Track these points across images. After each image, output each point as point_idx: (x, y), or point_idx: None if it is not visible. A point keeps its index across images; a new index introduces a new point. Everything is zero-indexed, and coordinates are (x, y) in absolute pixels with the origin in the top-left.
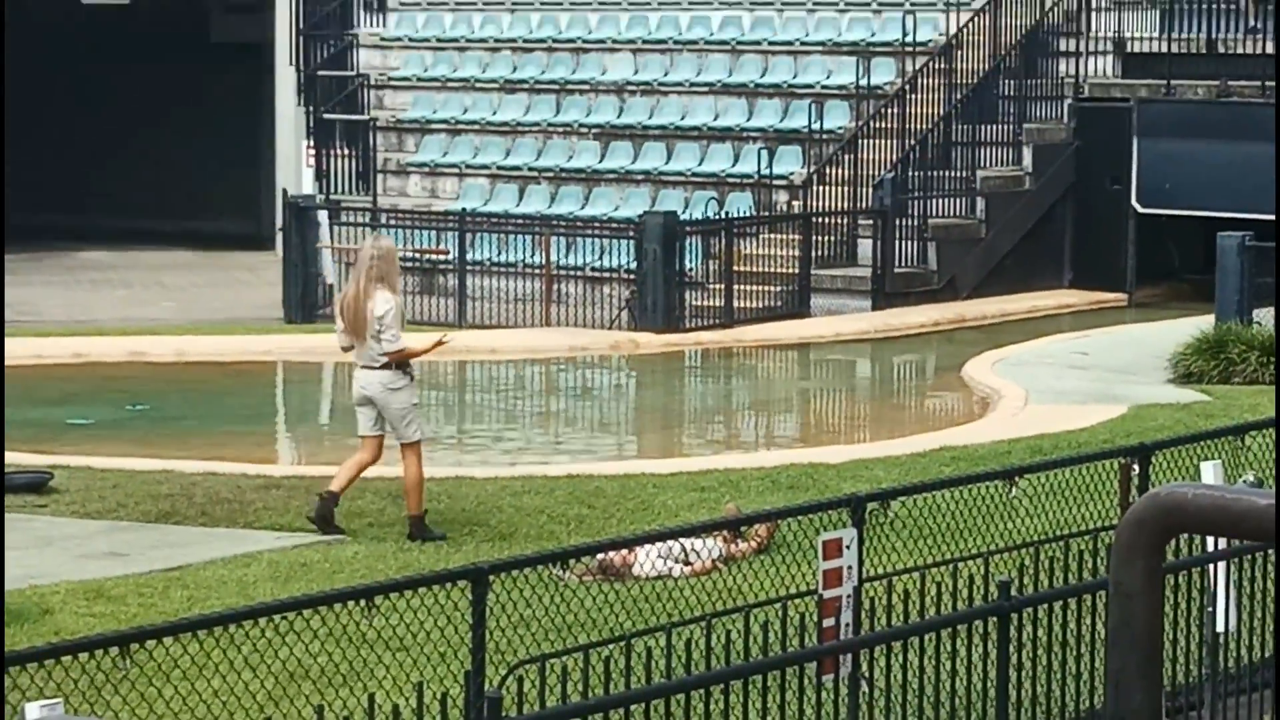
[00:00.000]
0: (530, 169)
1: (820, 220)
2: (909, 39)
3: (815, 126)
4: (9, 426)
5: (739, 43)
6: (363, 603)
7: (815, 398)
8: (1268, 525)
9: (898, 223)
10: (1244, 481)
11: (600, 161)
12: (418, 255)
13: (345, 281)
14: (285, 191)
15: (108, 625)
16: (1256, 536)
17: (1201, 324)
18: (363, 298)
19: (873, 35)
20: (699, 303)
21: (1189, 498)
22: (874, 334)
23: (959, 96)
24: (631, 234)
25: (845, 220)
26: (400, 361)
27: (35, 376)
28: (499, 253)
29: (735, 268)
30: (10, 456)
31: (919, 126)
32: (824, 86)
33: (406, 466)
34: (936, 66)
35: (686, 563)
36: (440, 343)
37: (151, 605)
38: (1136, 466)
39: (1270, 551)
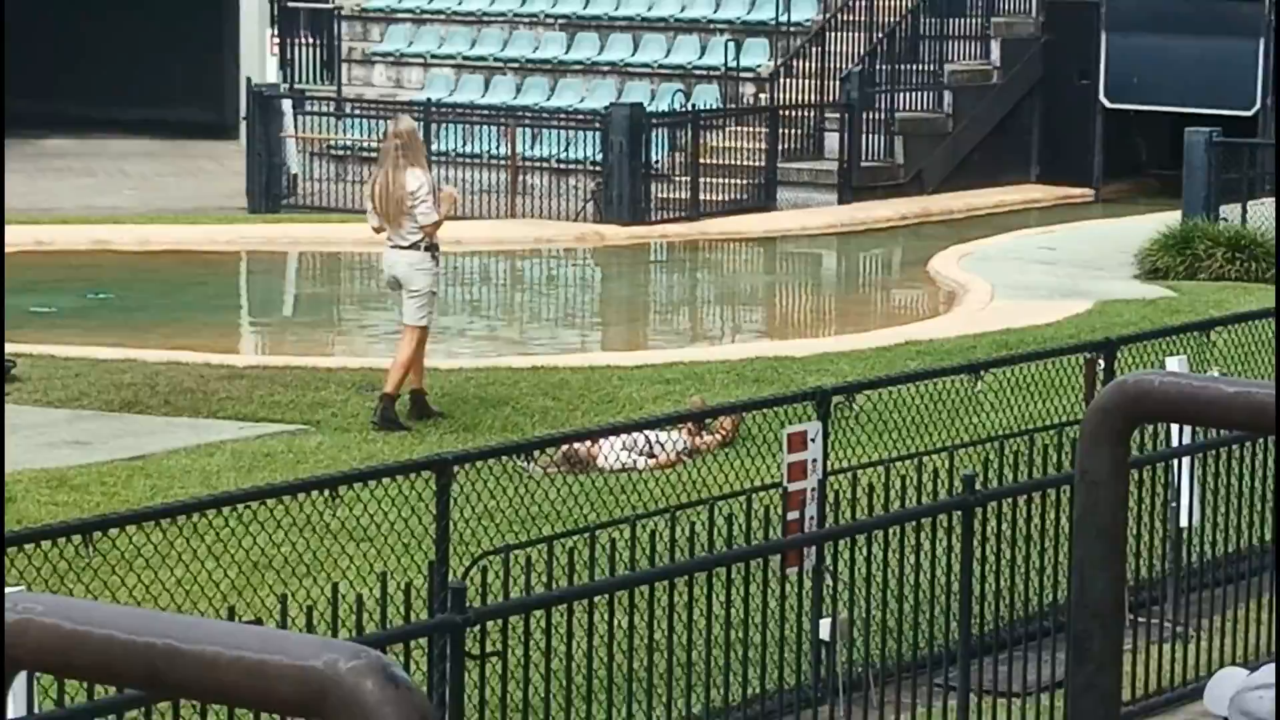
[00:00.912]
0: (496, 59)
1: (787, 113)
2: None
3: (782, 19)
4: None
5: None
6: (327, 493)
7: (781, 291)
8: (1234, 414)
9: (865, 116)
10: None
11: (566, 52)
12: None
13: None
14: (249, 80)
15: (70, 514)
16: (1223, 424)
17: (1168, 220)
18: (394, 182)
19: None
20: (664, 195)
21: (1156, 385)
22: (840, 228)
23: None
24: (597, 126)
25: (812, 113)
26: (430, 243)
27: None
28: (464, 144)
29: (701, 160)
30: None
31: (887, 19)
32: None
33: (401, 346)
34: None
35: (651, 455)
36: (452, 195)
37: (114, 494)
38: (1102, 361)
39: (1233, 447)
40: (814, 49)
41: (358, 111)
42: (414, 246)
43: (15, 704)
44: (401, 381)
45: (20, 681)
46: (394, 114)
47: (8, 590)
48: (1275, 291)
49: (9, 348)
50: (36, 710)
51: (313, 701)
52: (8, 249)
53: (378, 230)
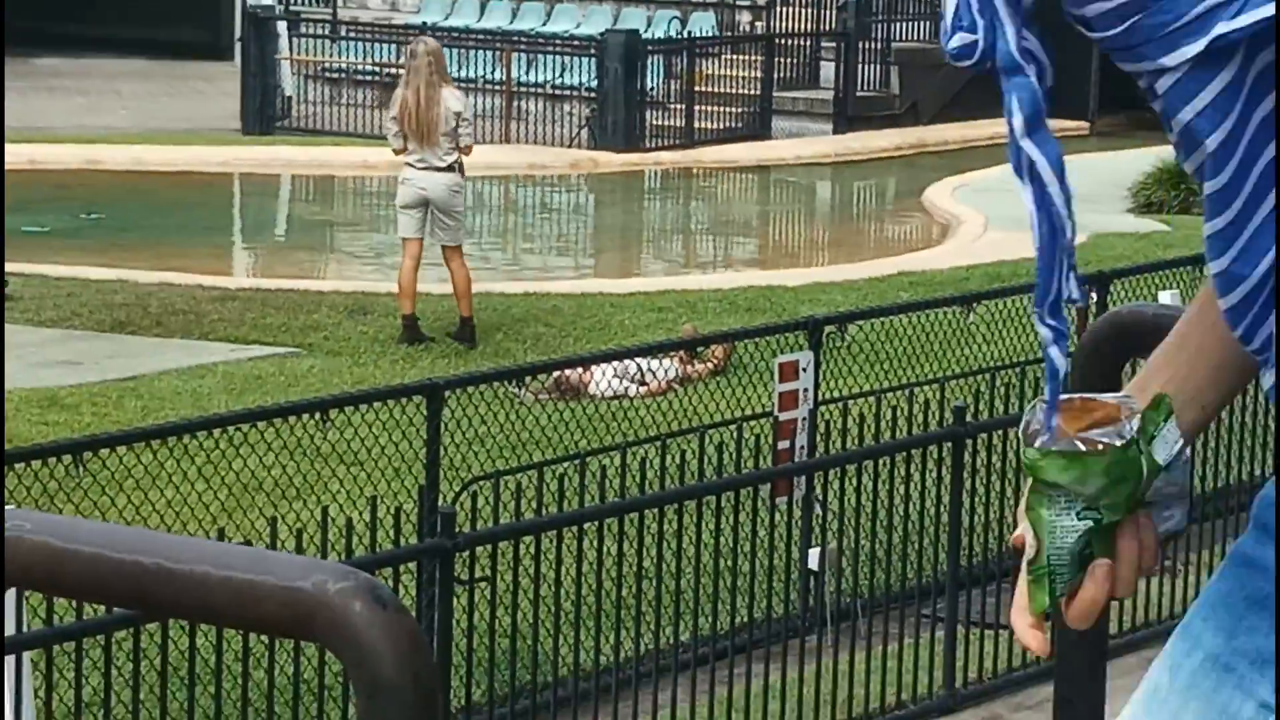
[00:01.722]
0: None
1: (783, 42)
2: None
3: None
4: None
5: None
6: (317, 416)
7: (774, 220)
8: None
9: (861, 46)
10: None
11: None
12: (377, 69)
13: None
14: (244, 1)
15: (61, 433)
16: None
17: (1163, 154)
18: (428, 101)
19: None
20: (659, 122)
21: (1149, 317)
22: (834, 158)
23: None
24: (593, 52)
25: (808, 42)
26: (459, 163)
27: None
28: (459, 68)
29: (696, 88)
30: None
31: None
32: None
33: (456, 270)
34: None
35: (643, 383)
36: None
37: (105, 415)
38: (1094, 295)
39: None
40: None
41: (353, 34)
42: (450, 168)
43: (4, 621)
44: (470, 301)
45: (10, 600)
46: (407, 38)
47: None
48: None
49: None
50: (25, 629)
51: (301, 623)
52: None
53: (399, 152)
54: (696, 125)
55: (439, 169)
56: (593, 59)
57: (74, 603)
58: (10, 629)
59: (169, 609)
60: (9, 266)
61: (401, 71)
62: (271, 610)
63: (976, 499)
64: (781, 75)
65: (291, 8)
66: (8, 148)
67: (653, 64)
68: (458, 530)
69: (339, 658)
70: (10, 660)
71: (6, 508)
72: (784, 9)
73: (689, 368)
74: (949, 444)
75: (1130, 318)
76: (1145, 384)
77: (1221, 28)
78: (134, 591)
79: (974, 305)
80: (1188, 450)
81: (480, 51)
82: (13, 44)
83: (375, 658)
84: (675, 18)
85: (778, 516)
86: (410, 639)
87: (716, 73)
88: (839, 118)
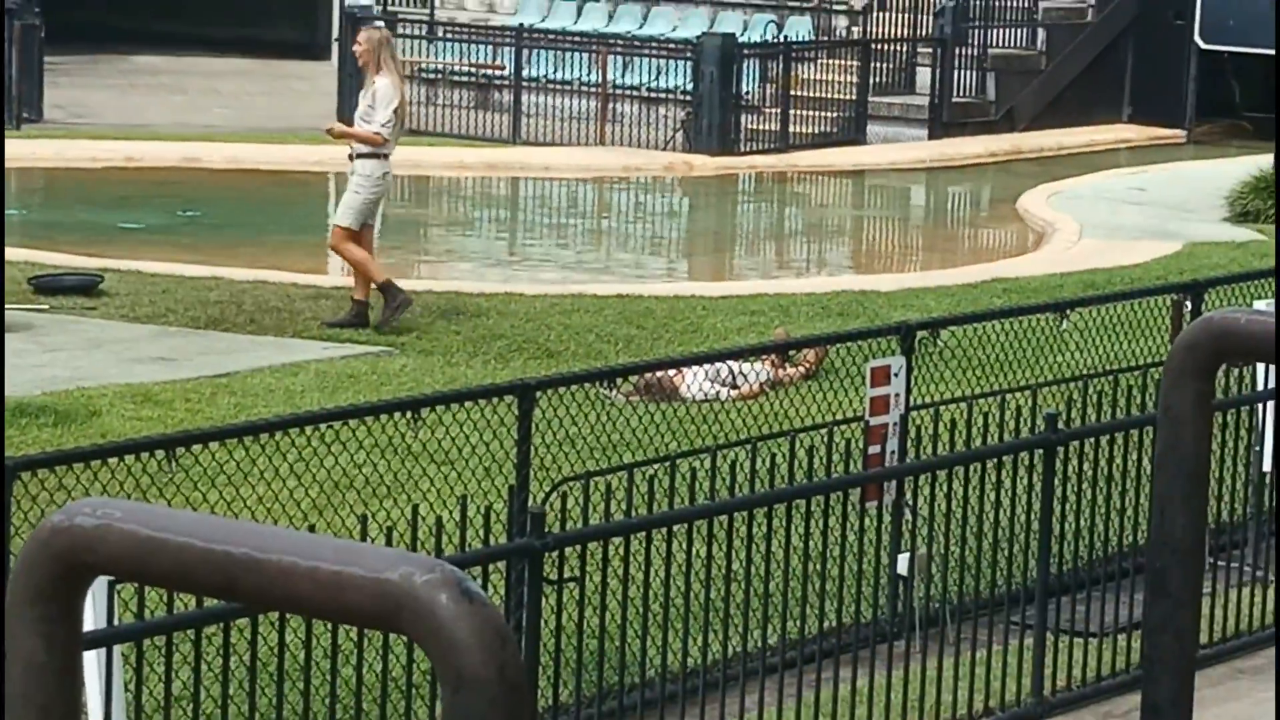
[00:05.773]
0: None
1: (879, 47)
2: None
3: None
4: (60, 229)
5: None
6: (409, 415)
7: (868, 225)
8: None
9: (957, 51)
10: None
11: None
12: (474, 70)
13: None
14: (342, 1)
15: (154, 429)
16: None
17: (1260, 163)
18: None
19: None
20: (754, 126)
21: (1242, 323)
22: (929, 163)
23: None
24: (689, 55)
25: (904, 48)
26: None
27: (88, 179)
28: (555, 70)
29: (792, 92)
30: (60, 258)
31: None
32: None
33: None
34: None
35: (734, 386)
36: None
37: (198, 411)
38: (1189, 304)
39: None
40: None
41: (450, 35)
42: None
43: (96, 614)
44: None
45: (102, 592)
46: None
47: (82, 500)
48: (1275, 243)
49: (98, 263)
50: (116, 623)
51: (388, 614)
52: (98, 164)
53: (386, 145)
54: (791, 129)
55: None
56: (689, 62)
57: (164, 597)
58: (101, 622)
59: (256, 598)
60: (103, 262)
61: (494, 74)
62: (358, 600)
63: (1067, 506)
64: (877, 80)
65: (389, 8)
66: (107, 144)
67: (748, 68)
68: (547, 530)
69: (424, 649)
70: (101, 653)
71: (95, 498)
72: (880, 14)
73: (781, 371)
74: (1040, 451)
75: (1223, 323)
76: None
77: None
78: (223, 580)
79: (1067, 313)
80: None
81: (576, 53)
82: (112, 41)
83: (460, 650)
84: (771, 21)
85: (867, 521)
86: (496, 632)
87: (812, 77)
88: (934, 123)
